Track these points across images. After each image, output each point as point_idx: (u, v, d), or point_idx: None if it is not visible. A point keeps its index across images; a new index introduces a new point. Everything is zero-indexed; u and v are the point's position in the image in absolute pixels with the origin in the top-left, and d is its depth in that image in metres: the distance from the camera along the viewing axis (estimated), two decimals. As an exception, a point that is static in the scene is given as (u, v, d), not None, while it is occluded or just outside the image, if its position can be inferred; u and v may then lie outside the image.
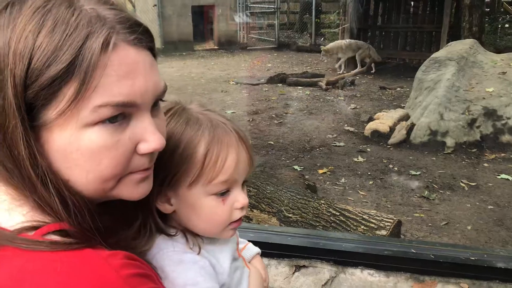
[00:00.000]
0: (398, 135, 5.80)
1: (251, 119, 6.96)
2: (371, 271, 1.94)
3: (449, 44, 7.54)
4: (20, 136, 0.59)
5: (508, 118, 5.61)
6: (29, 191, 0.62)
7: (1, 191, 0.64)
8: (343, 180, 4.66)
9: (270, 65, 12.35)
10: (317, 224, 2.99)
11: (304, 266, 1.97)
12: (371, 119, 6.59)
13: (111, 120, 0.61)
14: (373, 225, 2.92)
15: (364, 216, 2.99)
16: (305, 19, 16.90)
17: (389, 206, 4.07)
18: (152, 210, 0.82)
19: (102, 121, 0.61)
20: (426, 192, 4.32)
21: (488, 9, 13.28)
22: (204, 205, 0.83)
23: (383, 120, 6.20)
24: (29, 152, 0.60)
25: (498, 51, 8.40)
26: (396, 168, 5.00)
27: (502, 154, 5.32)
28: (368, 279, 1.92)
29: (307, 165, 5.09)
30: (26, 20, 0.58)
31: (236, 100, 8.32)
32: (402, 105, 7.35)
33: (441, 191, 4.39)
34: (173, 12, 14.94)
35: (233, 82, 9.86)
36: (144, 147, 0.66)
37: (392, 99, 8.38)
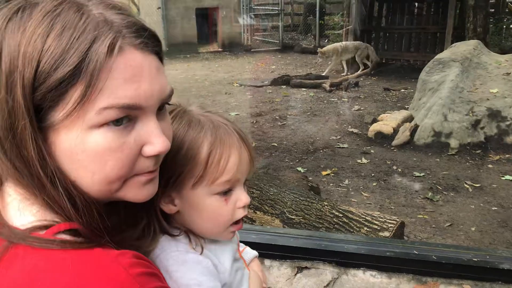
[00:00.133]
0: (402, 136, 5.79)
1: (255, 121, 6.97)
2: (373, 272, 1.95)
3: (453, 45, 7.52)
4: (29, 136, 0.60)
5: (513, 119, 5.60)
6: (38, 190, 0.63)
7: (12, 191, 0.66)
8: (346, 181, 4.66)
9: (274, 67, 12.35)
10: (320, 225, 3.00)
11: (306, 268, 1.98)
12: (374, 120, 6.58)
13: (117, 122, 0.63)
14: (376, 227, 2.92)
15: (367, 218, 2.99)
16: (309, 21, 16.90)
17: (392, 207, 4.06)
18: (156, 211, 0.84)
19: (107, 123, 0.62)
20: (430, 194, 4.32)
21: (493, 10, 13.21)
22: (207, 205, 0.85)
23: (387, 122, 6.20)
24: (38, 152, 0.61)
25: (503, 52, 8.36)
26: (399, 170, 4.99)
27: (507, 155, 5.30)
28: (370, 280, 1.93)
29: (311, 167, 5.09)
30: (36, 24, 0.59)
31: (240, 102, 8.33)
32: (406, 106, 7.33)
33: (445, 193, 4.38)
34: (177, 15, 14.99)
35: (237, 84, 9.88)
36: (149, 150, 0.67)
37: (396, 100, 8.36)
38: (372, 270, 1.95)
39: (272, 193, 3.24)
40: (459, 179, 4.69)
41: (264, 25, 17.72)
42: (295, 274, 1.96)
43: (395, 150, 5.62)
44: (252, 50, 15.76)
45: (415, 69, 10.25)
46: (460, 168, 5.02)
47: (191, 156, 0.82)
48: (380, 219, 2.98)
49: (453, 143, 5.52)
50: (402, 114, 6.53)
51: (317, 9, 15.28)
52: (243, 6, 16.22)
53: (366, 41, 11.80)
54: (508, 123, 5.59)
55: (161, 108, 0.70)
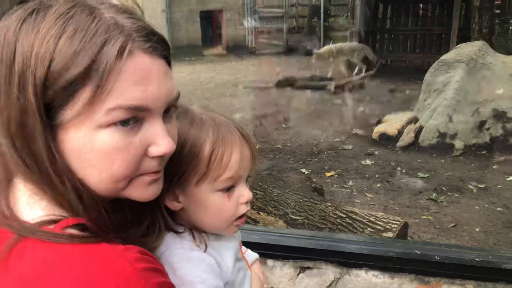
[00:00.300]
0: (407, 137, 5.78)
1: (259, 123, 6.98)
2: (376, 272, 1.95)
3: (458, 46, 7.48)
4: (39, 134, 0.62)
5: (518, 120, 5.57)
6: (47, 186, 0.65)
7: (22, 186, 0.68)
8: (350, 183, 4.66)
9: (278, 69, 12.36)
10: (324, 226, 3.00)
11: (308, 268, 1.98)
12: (379, 122, 6.57)
13: (124, 123, 0.65)
14: (379, 227, 2.92)
15: (370, 218, 2.99)
16: (313, 23, 16.89)
17: (396, 208, 4.06)
18: (161, 208, 0.86)
19: (115, 124, 0.64)
20: (434, 195, 4.30)
21: (499, 11, 13.16)
22: (211, 201, 0.87)
23: (392, 123, 6.19)
24: (47, 149, 0.63)
25: (509, 53, 8.31)
26: (404, 171, 4.98)
27: (512, 156, 5.29)
28: (372, 280, 1.93)
29: (315, 168, 5.10)
30: (49, 26, 0.62)
31: (244, 104, 8.35)
32: (411, 107, 7.31)
33: (449, 194, 4.36)
34: (181, 17, 15.06)
35: (242, 86, 9.90)
36: (154, 150, 0.69)
37: (400, 101, 8.34)
38: (374, 270, 1.95)
39: (275, 194, 3.24)
40: (464, 180, 4.67)
41: (269, 28, 17.74)
42: (298, 274, 1.97)
43: (399, 152, 5.61)
44: (256, 52, 15.79)
45: (420, 70, 10.21)
46: (465, 169, 5.00)
47: (194, 154, 0.84)
48: (384, 220, 2.98)
49: (458, 144, 5.50)
50: (406, 115, 6.52)
51: (322, 11, 15.30)
52: (247, 8, 16.27)
53: (371, 43, 11.78)
54: (513, 124, 5.57)
55: (168, 111, 0.72)
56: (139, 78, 0.64)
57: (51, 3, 0.64)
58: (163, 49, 0.70)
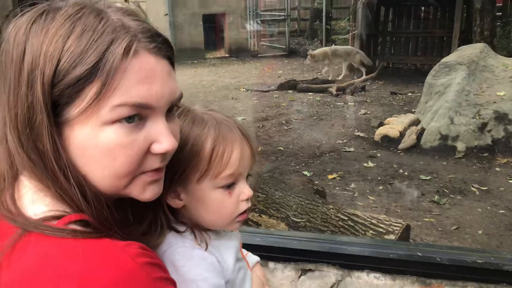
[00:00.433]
0: (408, 140, 5.78)
1: (261, 125, 6.99)
2: (377, 275, 1.95)
3: (459, 48, 7.50)
4: (45, 130, 0.65)
5: (520, 122, 5.56)
6: (52, 182, 0.67)
7: (27, 182, 0.70)
8: (352, 185, 4.66)
9: (280, 72, 12.38)
10: (326, 229, 3.00)
11: (310, 270, 1.98)
12: (381, 124, 6.57)
13: (128, 120, 0.67)
14: (381, 230, 2.92)
15: (372, 221, 2.99)
16: (315, 26, 16.92)
17: (398, 211, 4.05)
18: (163, 206, 0.87)
19: (120, 120, 0.66)
20: (437, 197, 4.30)
21: (500, 13, 13.15)
22: (212, 198, 0.89)
23: (393, 125, 6.19)
24: (53, 146, 0.65)
25: (511, 55, 8.32)
26: (406, 173, 4.98)
27: (514, 158, 5.27)
28: (374, 282, 1.93)
29: (317, 171, 5.10)
30: (58, 26, 0.64)
31: (247, 107, 8.37)
32: (413, 110, 7.31)
33: (451, 196, 4.36)
34: (184, 21, 15.10)
35: (244, 89, 9.91)
36: (157, 148, 0.70)
37: (402, 104, 8.34)
38: (376, 272, 1.95)
39: (277, 197, 3.25)
40: (466, 182, 4.67)
41: (271, 31, 17.77)
42: (299, 277, 1.97)
43: (401, 154, 5.61)
44: (258, 55, 15.80)
45: (421, 73, 10.20)
46: (467, 171, 5.00)
47: (195, 152, 0.86)
48: (386, 222, 2.98)
49: (460, 146, 5.49)
50: (408, 117, 6.52)
51: (324, 14, 15.31)
52: (249, 12, 16.30)
53: (373, 45, 11.78)
54: (515, 126, 5.56)
55: (171, 110, 0.74)
56: (143, 76, 0.66)
57: (60, 5, 0.67)
58: (167, 50, 0.72)
